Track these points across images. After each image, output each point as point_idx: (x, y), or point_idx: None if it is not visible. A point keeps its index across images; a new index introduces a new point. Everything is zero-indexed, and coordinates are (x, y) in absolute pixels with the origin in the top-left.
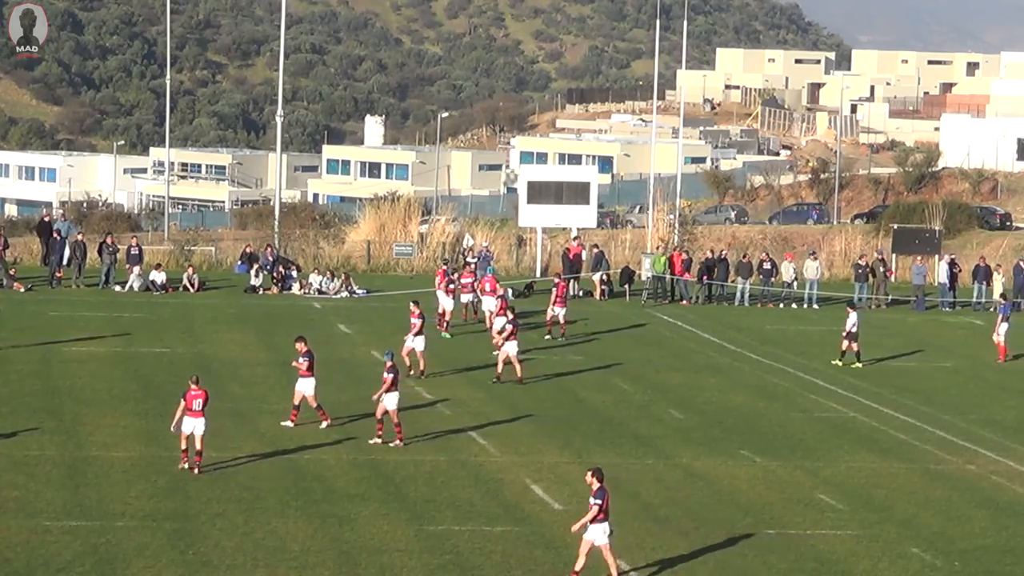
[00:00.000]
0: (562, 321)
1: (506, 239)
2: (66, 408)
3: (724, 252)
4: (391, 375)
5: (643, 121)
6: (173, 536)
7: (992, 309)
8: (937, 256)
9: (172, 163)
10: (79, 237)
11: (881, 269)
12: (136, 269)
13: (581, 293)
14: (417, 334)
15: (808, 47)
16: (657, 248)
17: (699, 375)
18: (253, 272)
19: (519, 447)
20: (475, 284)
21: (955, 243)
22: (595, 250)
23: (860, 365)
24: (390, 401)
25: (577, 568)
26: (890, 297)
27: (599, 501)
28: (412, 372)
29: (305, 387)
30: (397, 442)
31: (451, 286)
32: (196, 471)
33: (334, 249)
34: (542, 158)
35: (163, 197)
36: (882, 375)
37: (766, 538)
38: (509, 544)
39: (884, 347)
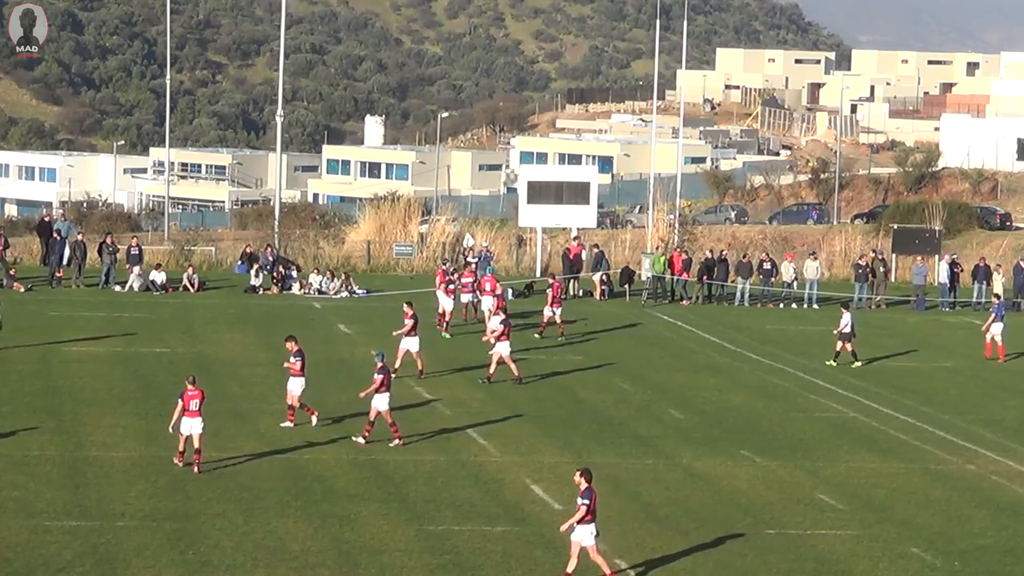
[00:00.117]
0: (559, 321)
1: (506, 239)
2: (66, 408)
3: (724, 252)
4: (381, 376)
5: (643, 121)
6: (173, 536)
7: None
8: (937, 256)
9: (172, 163)
10: (79, 237)
11: (881, 269)
12: (136, 269)
13: (581, 293)
14: (409, 334)
15: (808, 47)
16: (657, 248)
17: (699, 375)
18: (253, 272)
19: (519, 447)
20: (475, 284)
21: (955, 243)
22: (595, 250)
23: (859, 364)
24: (381, 402)
25: (569, 570)
26: (879, 298)
27: (587, 501)
28: (400, 371)
29: (294, 386)
30: (396, 441)
31: (451, 286)
32: (196, 470)
33: (334, 249)
34: (542, 158)
35: (163, 197)
36: (882, 375)
37: (766, 538)
38: (509, 544)
39: (884, 347)
